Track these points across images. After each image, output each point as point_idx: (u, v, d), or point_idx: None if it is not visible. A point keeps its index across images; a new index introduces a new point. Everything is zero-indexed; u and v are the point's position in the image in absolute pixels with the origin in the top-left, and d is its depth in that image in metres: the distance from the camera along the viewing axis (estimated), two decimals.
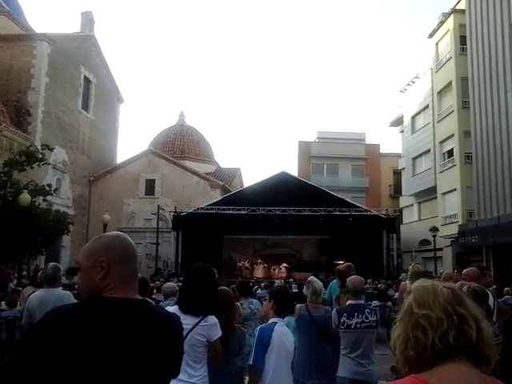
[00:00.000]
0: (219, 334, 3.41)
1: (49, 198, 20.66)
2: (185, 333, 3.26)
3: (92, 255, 1.68)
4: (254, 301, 6.34)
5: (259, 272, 25.83)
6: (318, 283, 5.13)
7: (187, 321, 3.30)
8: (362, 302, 4.85)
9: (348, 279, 4.97)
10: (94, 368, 1.47)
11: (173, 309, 3.48)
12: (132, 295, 1.67)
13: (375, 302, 12.18)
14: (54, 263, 5.76)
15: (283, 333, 3.72)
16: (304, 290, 7.02)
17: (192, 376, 3.21)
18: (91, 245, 1.73)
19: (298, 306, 5.41)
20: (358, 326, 4.58)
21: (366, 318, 4.59)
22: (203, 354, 3.37)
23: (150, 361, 1.58)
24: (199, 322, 3.32)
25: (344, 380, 4.62)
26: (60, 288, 5.47)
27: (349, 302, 4.76)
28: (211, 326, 3.36)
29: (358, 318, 4.58)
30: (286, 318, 4.14)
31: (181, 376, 2.55)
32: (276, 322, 3.75)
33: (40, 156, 19.92)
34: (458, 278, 7.44)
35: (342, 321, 4.61)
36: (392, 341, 1.39)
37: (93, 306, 1.60)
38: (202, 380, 3.32)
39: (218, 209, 24.50)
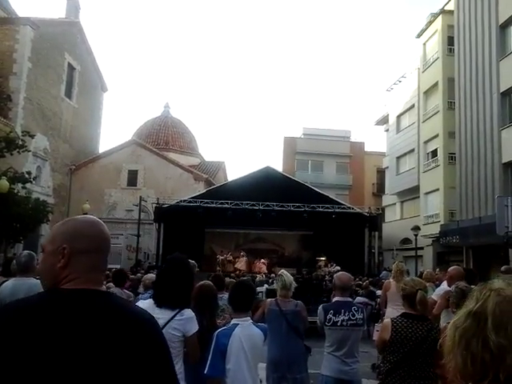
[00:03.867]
0: (196, 328, 3.24)
1: (28, 185, 20.19)
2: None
3: (56, 240, 1.51)
4: (226, 296, 6.03)
5: (242, 265, 25.69)
6: (288, 277, 5.02)
7: (162, 315, 3.14)
8: (350, 299, 4.73)
9: (335, 275, 4.88)
10: (33, 368, 1.28)
11: (147, 302, 3.30)
12: (93, 287, 1.48)
13: (358, 299, 12.15)
14: (27, 251, 5.53)
15: (244, 336, 3.32)
16: (274, 284, 6.87)
17: None
18: (58, 228, 1.56)
19: (268, 300, 5.29)
20: (345, 323, 4.45)
21: (353, 315, 4.47)
22: (179, 350, 3.20)
23: (103, 362, 1.35)
24: (175, 315, 3.15)
25: (328, 379, 4.51)
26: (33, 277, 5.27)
27: (336, 299, 4.65)
28: (187, 320, 3.20)
29: (344, 315, 4.46)
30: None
31: None
32: (237, 324, 3.37)
33: (20, 143, 19.49)
34: (440, 277, 7.44)
35: (328, 318, 4.49)
36: (449, 337, 1.23)
37: (42, 300, 1.44)
38: (178, 377, 3.15)
39: (201, 202, 24.25)
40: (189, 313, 3.23)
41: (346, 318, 4.45)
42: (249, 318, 3.49)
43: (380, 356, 8.36)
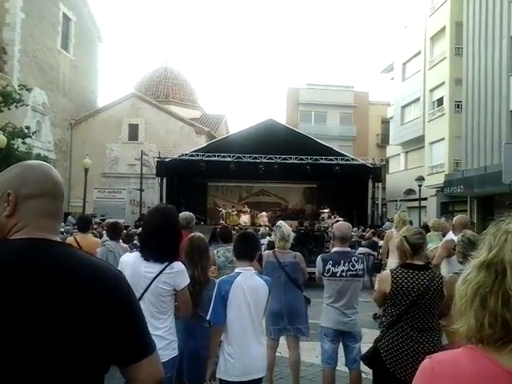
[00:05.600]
0: (186, 281, 3.10)
1: (28, 141, 20.00)
2: (148, 281, 2.92)
3: (0, 187, 1.35)
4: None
5: (245, 219, 25.74)
6: (287, 228, 4.90)
7: (151, 268, 2.99)
8: (349, 249, 4.57)
9: (335, 225, 4.71)
10: None
11: (133, 255, 3.13)
12: (45, 236, 1.31)
13: (361, 249, 12.11)
14: None
15: (246, 285, 3.25)
16: (272, 236, 6.77)
17: (157, 328, 2.92)
18: (2, 175, 1.40)
19: (266, 252, 5.18)
20: (344, 274, 4.32)
21: (353, 266, 4.33)
22: (169, 305, 3.07)
23: (54, 319, 1.20)
24: (164, 269, 2.99)
25: (327, 330, 4.43)
26: None
27: (335, 249, 4.49)
28: (178, 274, 3.04)
29: (344, 265, 4.31)
30: None
31: None
32: (240, 273, 3.31)
33: (18, 97, 19.13)
34: (447, 226, 7.28)
35: (327, 268, 4.35)
36: (460, 296, 1.03)
37: None
38: (169, 332, 3.05)
39: (203, 155, 23.95)
40: (179, 266, 3.07)
41: (346, 268, 4.31)
42: (252, 268, 3.40)
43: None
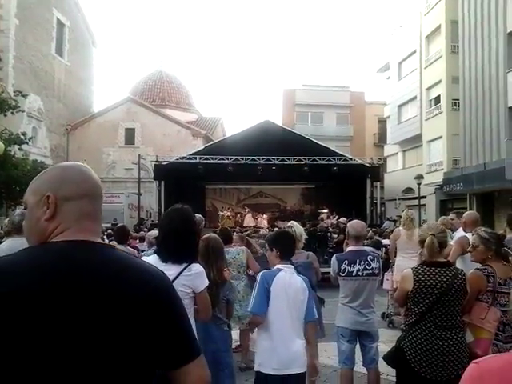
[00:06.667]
0: (206, 283, 3.03)
1: (25, 147, 19.87)
2: None
3: (38, 190, 1.28)
4: (233, 249, 5.88)
5: (248, 221, 25.67)
6: (299, 228, 4.91)
7: (168, 271, 2.86)
8: (364, 248, 4.51)
9: (349, 224, 4.64)
10: (22, 335, 1.08)
11: (151, 258, 3.04)
12: (87, 237, 1.25)
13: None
14: (21, 210, 5.30)
15: (286, 281, 3.31)
16: None
17: None
18: (39, 177, 1.33)
19: None
20: (360, 273, 4.25)
21: (369, 264, 4.26)
22: (189, 308, 2.97)
23: (104, 321, 1.14)
24: (182, 271, 2.91)
25: (344, 330, 4.35)
26: None
27: (349, 248, 4.42)
28: (196, 275, 2.96)
29: (359, 264, 4.24)
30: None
31: None
32: (281, 269, 3.36)
33: (13, 103, 19.03)
34: (456, 223, 7.21)
35: (342, 268, 4.28)
36: None
37: (28, 256, 1.20)
38: None
39: (200, 158, 23.83)
40: (197, 267, 2.99)
41: (362, 267, 4.25)
42: (292, 266, 3.47)
43: (391, 305, 8.30)
